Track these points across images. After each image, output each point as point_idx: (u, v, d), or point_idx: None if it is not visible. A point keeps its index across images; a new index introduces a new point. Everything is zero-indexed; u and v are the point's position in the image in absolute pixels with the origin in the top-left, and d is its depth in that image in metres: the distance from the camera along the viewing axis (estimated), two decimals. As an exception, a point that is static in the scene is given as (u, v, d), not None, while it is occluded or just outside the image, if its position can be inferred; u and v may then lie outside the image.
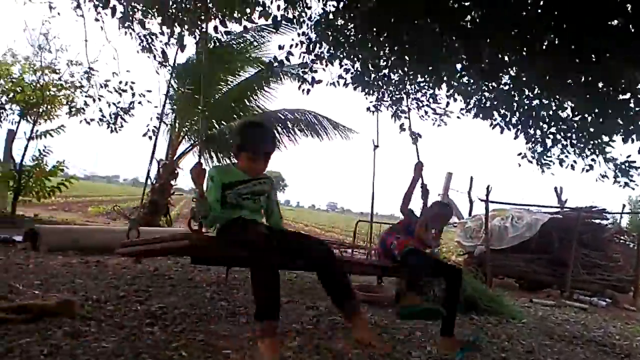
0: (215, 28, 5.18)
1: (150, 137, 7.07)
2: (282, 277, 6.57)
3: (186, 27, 5.43)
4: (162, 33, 5.66)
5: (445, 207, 5.05)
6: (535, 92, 4.79)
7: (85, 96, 9.45)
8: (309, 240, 3.27)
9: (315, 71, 5.64)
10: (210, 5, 5.02)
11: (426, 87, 6.22)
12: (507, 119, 5.32)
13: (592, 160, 5.13)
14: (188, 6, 5.19)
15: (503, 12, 3.64)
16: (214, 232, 3.31)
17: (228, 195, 3.17)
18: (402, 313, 4.08)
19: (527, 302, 7.75)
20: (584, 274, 9.29)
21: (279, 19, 4.90)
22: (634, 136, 4.46)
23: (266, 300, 2.74)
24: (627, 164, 5.10)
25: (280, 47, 5.31)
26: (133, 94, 5.96)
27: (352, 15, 4.66)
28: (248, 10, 4.97)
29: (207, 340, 3.64)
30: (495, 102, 5.26)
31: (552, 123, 5.13)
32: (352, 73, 5.74)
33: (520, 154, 5.64)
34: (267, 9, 4.81)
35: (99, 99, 7.11)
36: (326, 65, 5.53)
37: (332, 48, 5.19)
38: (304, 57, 5.50)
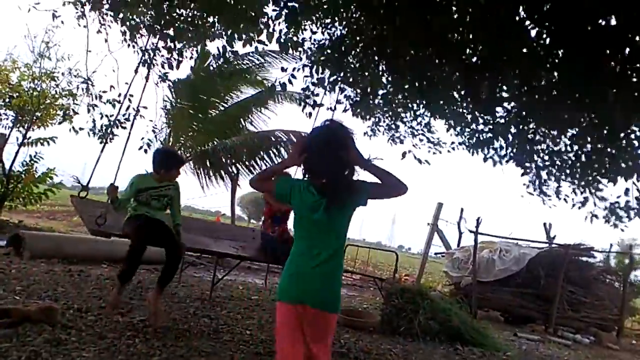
0: (224, 48, 5.21)
1: (145, 151, 7.08)
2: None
3: (192, 43, 5.48)
4: (165, 47, 5.66)
5: None
6: (531, 125, 4.83)
7: (74, 103, 9.46)
8: (174, 241, 4.49)
9: (317, 95, 5.67)
10: (217, 25, 5.09)
11: (422, 116, 6.28)
12: (503, 152, 5.34)
13: (585, 198, 5.13)
14: (196, 22, 5.21)
15: (505, 49, 3.68)
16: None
17: (141, 195, 4.53)
18: None
19: (512, 336, 7.72)
20: (569, 310, 9.25)
21: (282, 40, 4.93)
22: (622, 176, 4.51)
23: (130, 270, 4.26)
24: (616, 204, 5.09)
25: (284, 70, 5.34)
26: (128, 107, 5.88)
27: (355, 42, 4.72)
28: (252, 34, 4.98)
29: (187, 356, 3.58)
30: (491, 135, 5.30)
31: (547, 157, 5.16)
32: (351, 100, 5.79)
33: (525, 184, 5.58)
34: (272, 31, 4.83)
35: (93, 108, 7.02)
36: (328, 91, 5.56)
37: (333, 73, 5.23)
38: (306, 80, 5.53)
